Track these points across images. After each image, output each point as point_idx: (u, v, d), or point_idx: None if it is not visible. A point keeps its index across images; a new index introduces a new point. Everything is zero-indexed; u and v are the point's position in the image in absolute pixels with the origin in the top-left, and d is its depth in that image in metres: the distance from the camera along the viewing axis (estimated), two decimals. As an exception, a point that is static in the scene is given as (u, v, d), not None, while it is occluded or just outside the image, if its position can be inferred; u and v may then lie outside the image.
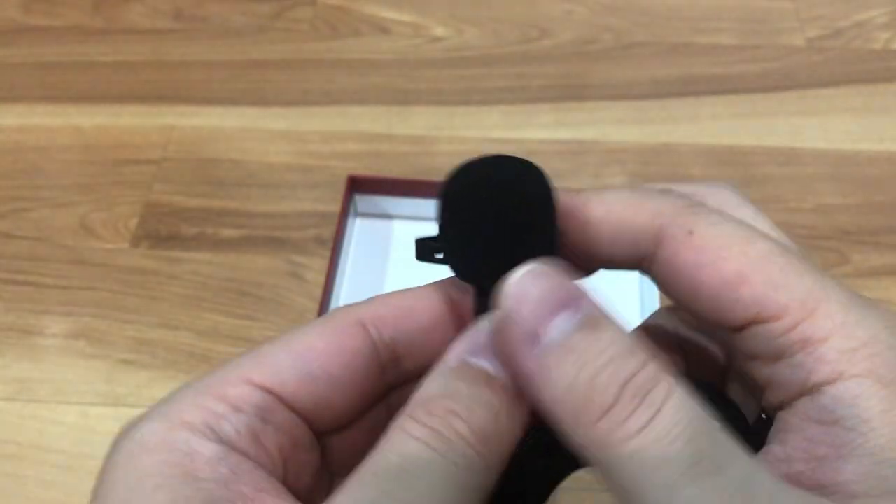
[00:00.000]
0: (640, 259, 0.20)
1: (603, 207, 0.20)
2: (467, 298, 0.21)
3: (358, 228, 0.51)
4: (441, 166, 0.59)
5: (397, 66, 0.60)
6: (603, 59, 0.61)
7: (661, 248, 0.19)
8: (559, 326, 0.16)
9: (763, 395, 0.18)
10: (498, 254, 0.19)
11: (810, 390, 0.17)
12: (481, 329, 0.18)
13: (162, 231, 0.51)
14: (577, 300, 0.17)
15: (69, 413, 0.44)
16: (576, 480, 0.21)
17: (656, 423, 0.15)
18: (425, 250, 0.21)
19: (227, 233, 0.51)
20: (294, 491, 0.18)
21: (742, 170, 0.54)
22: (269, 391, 0.18)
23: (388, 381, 0.21)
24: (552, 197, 0.20)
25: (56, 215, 0.52)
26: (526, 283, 0.17)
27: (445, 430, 0.16)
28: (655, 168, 0.54)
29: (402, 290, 0.21)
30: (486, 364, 0.18)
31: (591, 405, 0.16)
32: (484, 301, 0.20)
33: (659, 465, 0.15)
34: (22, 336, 0.47)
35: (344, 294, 0.48)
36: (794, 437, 0.17)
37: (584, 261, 0.21)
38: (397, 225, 0.51)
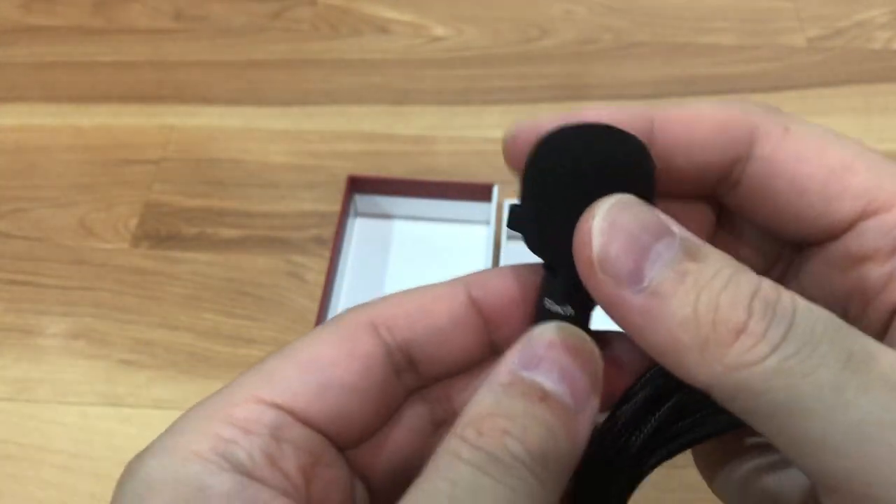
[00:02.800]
0: (733, 163, 0.18)
1: (693, 112, 0.19)
2: (490, 298, 0.19)
3: (358, 228, 0.51)
4: (441, 166, 0.59)
5: (397, 66, 0.60)
6: (603, 59, 0.61)
7: (757, 145, 0.18)
8: (663, 257, 0.15)
9: (872, 303, 0.17)
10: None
11: None
12: (536, 337, 0.17)
13: (162, 231, 0.51)
14: (670, 228, 0.16)
15: (69, 413, 0.44)
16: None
17: (795, 328, 0.14)
18: (515, 218, 0.19)
19: (227, 233, 0.51)
20: None
21: (742, 170, 0.54)
22: (279, 407, 0.17)
23: (406, 386, 0.19)
24: (649, 175, 0.18)
25: (56, 215, 0.52)
26: (615, 217, 0.16)
27: (500, 451, 0.15)
28: (655, 168, 0.54)
29: (418, 288, 0.19)
30: (542, 378, 0.16)
31: (720, 329, 0.15)
32: (551, 286, 0.18)
33: (814, 368, 0.14)
34: (22, 336, 0.47)
35: (344, 294, 0.48)
36: None
37: (668, 177, 0.19)
38: (397, 225, 0.51)
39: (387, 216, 0.51)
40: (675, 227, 0.16)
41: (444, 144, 0.55)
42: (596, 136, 0.18)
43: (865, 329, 0.16)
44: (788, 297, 0.15)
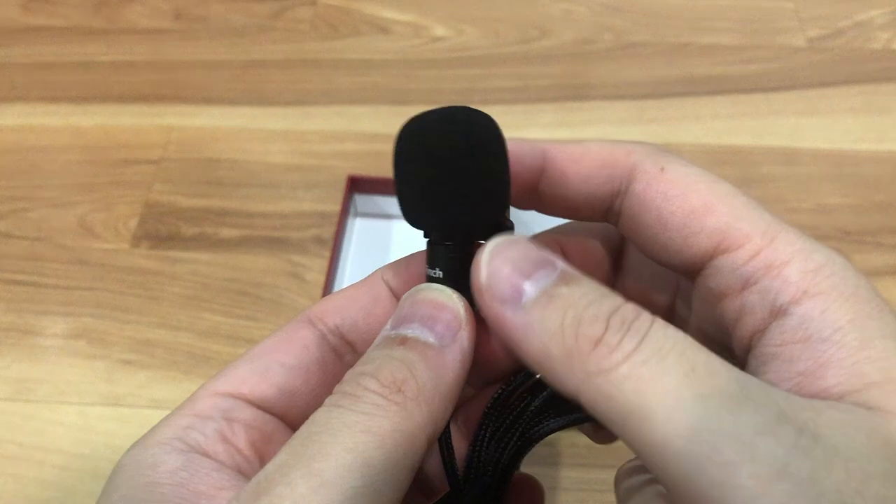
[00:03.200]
0: (614, 196, 0.21)
1: (581, 148, 0.21)
2: (400, 279, 0.22)
3: (358, 228, 0.51)
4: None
5: (397, 66, 0.60)
6: (603, 59, 0.61)
7: (634, 182, 0.20)
8: (539, 282, 0.18)
9: (734, 334, 0.19)
10: (442, 197, 0.20)
11: (779, 312, 0.18)
12: (402, 301, 0.20)
13: (162, 231, 0.51)
14: (552, 260, 0.18)
15: (69, 413, 0.44)
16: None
17: (647, 343, 0.16)
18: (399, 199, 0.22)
19: (227, 233, 0.51)
20: None
21: (742, 170, 0.54)
22: (231, 395, 0.20)
23: (349, 364, 0.21)
24: (497, 142, 0.20)
25: (56, 215, 0.52)
26: (502, 249, 0.18)
27: (352, 388, 0.18)
28: (655, 168, 0.54)
29: (345, 287, 0.23)
30: (404, 330, 0.19)
31: (581, 340, 0.17)
32: (436, 252, 0.21)
33: (658, 377, 0.16)
34: (22, 336, 0.47)
35: (344, 294, 0.48)
36: (773, 363, 0.18)
37: (559, 204, 0.22)
38: (397, 225, 0.51)
39: (387, 216, 0.51)
40: (557, 262, 0.18)
41: (444, 144, 0.55)
42: (449, 116, 0.21)
43: (734, 356, 0.19)
44: (647, 317, 0.17)
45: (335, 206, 0.50)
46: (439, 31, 0.63)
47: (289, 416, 0.20)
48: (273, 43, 0.62)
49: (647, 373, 0.16)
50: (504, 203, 0.20)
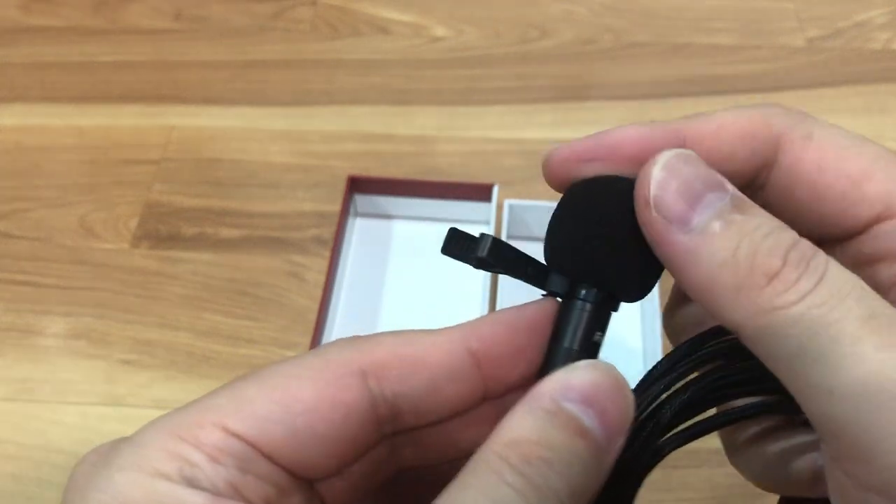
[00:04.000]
0: (760, 168, 0.20)
1: (719, 120, 0.20)
2: (489, 349, 0.19)
3: (358, 228, 0.51)
4: (441, 166, 0.59)
5: (397, 66, 0.60)
6: (603, 59, 0.61)
7: (781, 153, 0.19)
8: (712, 205, 0.17)
9: (888, 296, 0.18)
10: (612, 251, 0.18)
11: None
12: (577, 369, 0.17)
13: (162, 231, 0.51)
14: (723, 183, 0.17)
15: (69, 413, 0.44)
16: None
17: (825, 283, 0.16)
18: (456, 243, 0.20)
19: (227, 233, 0.51)
20: None
21: (742, 170, 0.54)
22: (248, 442, 0.16)
23: (383, 433, 0.19)
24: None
25: (56, 215, 0.52)
26: (675, 164, 0.17)
27: (542, 482, 0.16)
28: (655, 168, 0.54)
29: (415, 333, 0.19)
30: (580, 413, 0.17)
31: (755, 272, 0.16)
32: (568, 312, 0.19)
33: (836, 319, 0.15)
34: (22, 336, 0.47)
35: (344, 294, 0.48)
36: None
37: None
38: (397, 225, 0.51)
39: (387, 216, 0.51)
40: (728, 185, 0.17)
41: (444, 144, 0.55)
42: (612, 183, 0.19)
43: None
44: (823, 256, 0.16)
45: (335, 206, 0.50)
46: (439, 31, 0.63)
47: (304, 474, 0.18)
48: (273, 43, 0.62)
49: (825, 315, 0.15)
50: (656, 279, 0.19)
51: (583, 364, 0.17)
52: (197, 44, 0.62)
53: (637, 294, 0.19)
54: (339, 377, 0.17)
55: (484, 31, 0.63)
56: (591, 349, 0.19)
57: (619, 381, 0.17)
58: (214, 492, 0.16)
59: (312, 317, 0.45)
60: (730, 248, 0.16)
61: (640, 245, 0.18)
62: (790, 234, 0.17)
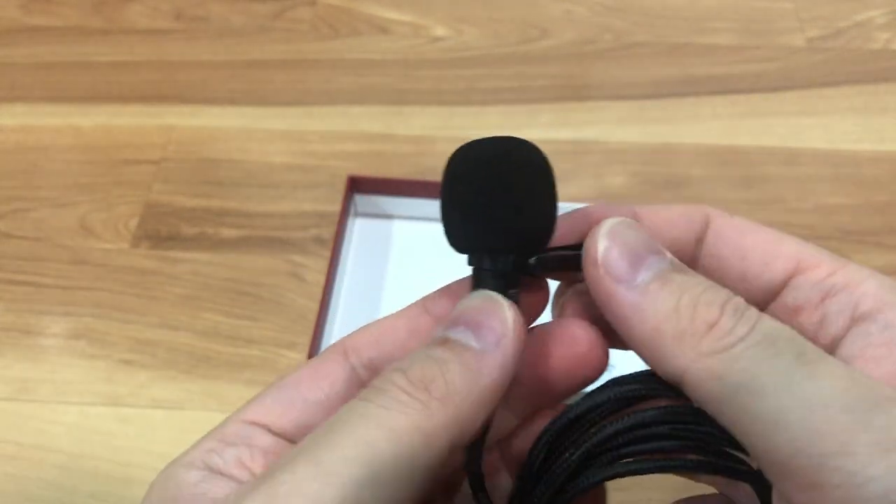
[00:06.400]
0: (695, 237, 0.22)
1: (662, 206, 0.23)
2: (443, 308, 0.21)
3: (358, 228, 0.51)
4: (441, 166, 0.59)
5: (397, 66, 0.60)
6: (603, 59, 0.61)
7: (711, 223, 0.22)
8: (654, 266, 0.19)
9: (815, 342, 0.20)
10: (495, 213, 0.20)
11: (861, 318, 0.19)
12: (457, 308, 0.20)
13: (162, 231, 0.51)
14: (662, 250, 0.20)
15: (69, 413, 0.44)
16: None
17: (758, 328, 0.18)
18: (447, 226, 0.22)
19: (227, 233, 0.51)
20: None
21: (742, 170, 0.54)
22: (255, 423, 0.20)
23: None
24: (546, 163, 0.21)
25: (56, 215, 0.52)
26: (620, 229, 0.20)
27: (382, 383, 0.18)
28: (656, 168, 0.54)
29: (386, 315, 0.23)
30: (450, 332, 0.19)
31: (696, 322, 0.18)
32: (481, 277, 0.21)
33: (770, 357, 0.17)
34: (22, 336, 0.47)
35: (344, 294, 0.48)
36: (855, 365, 0.19)
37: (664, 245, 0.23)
38: (397, 225, 0.51)
39: (387, 216, 0.51)
40: (667, 252, 0.20)
41: (444, 144, 0.55)
42: (500, 142, 0.21)
43: None
44: (755, 309, 0.18)
45: (335, 206, 0.50)
46: (439, 31, 0.63)
47: None
48: (273, 43, 0.62)
49: (760, 354, 0.17)
50: (552, 226, 0.21)
51: (460, 301, 0.20)
52: (197, 44, 0.62)
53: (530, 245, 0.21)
54: (323, 359, 0.21)
55: (484, 31, 0.63)
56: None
57: (490, 298, 0.20)
58: (224, 467, 0.19)
59: (312, 317, 0.45)
60: (672, 301, 0.18)
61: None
62: (725, 291, 0.19)
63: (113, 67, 0.61)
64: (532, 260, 0.21)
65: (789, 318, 0.21)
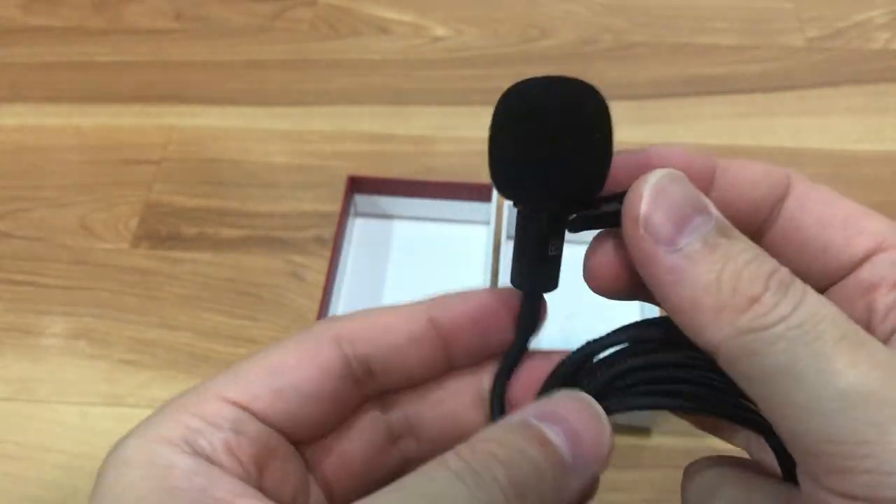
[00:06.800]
0: (775, 202, 0.21)
1: (745, 160, 0.21)
2: (448, 318, 0.21)
3: (358, 228, 0.51)
4: (441, 166, 0.59)
5: (397, 66, 0.60)
6: (603, 59, 0.61)
7: (792, 190, 0.21)
8: (698, 229, 0.18)
9: (879, 325, 0.20)
10: (533, 174, 0.19)
11: None
12: (554, 399, 0.19)
13: (162, 231, 0.51)
14: (708, 207, 0.18)
15: (69, 413, 0.44)
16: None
17: (803, 307, 0.17)
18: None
19: (227, 233, 0.51)
20: (276, 496, 0.19)
21: (742, 170, 0.54)
22: (241, 406, 0.19)
23: (363, 393, 0.21)
24: (599, 118, 0.19)
25: (56, 215, 0.52)
26: (665, 186, 0.18)
27: (482, 469, 0.17)
28: (655, 168, 0.54)
29: (384, 307, 0.22)
30: (548, 430, 0.18)
31: (737, 296, 0.17)
32: (528, 222, 0.20)
33: (813, 339, 0.16)
34: (22, 336, 0.47)
35: (344, 294, 0.48)
36: None
37: (733, 209, 0.21)
38: (397, 225, 0.51)
39: (387, 216, 0.51)
40: (713, 209, 0.18)
41: (444, 144, 0.55)
42: (559, 81, 0.19)
43: None
44: (801, 284, 0.17)
45: (335, 206, 0.50)
46: (439, 31, 0.63)
47: (294, 436, 0.20)
48: (273, 43, 0.62)
49: (801, 336, 0.16)
50: (601, 183, 0.20)
51: (561, 393, 0.19)
52: (197, 44, 0.62)
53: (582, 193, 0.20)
54: (316, 344, 0.20)
55: (484, 31, 0.63)
56: (548, 261, 0.21)
57: (595, 410, 0.19)
58: (211, 452, 0.18)
59: (312, 317, 0.45)
60: (714, 271, 0.17)
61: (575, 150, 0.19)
62: (771, 262, 0.18)
63: (113, 67, 0.61)
64: (571, 217, 0.20)
65: (863, 294, 0.20)
